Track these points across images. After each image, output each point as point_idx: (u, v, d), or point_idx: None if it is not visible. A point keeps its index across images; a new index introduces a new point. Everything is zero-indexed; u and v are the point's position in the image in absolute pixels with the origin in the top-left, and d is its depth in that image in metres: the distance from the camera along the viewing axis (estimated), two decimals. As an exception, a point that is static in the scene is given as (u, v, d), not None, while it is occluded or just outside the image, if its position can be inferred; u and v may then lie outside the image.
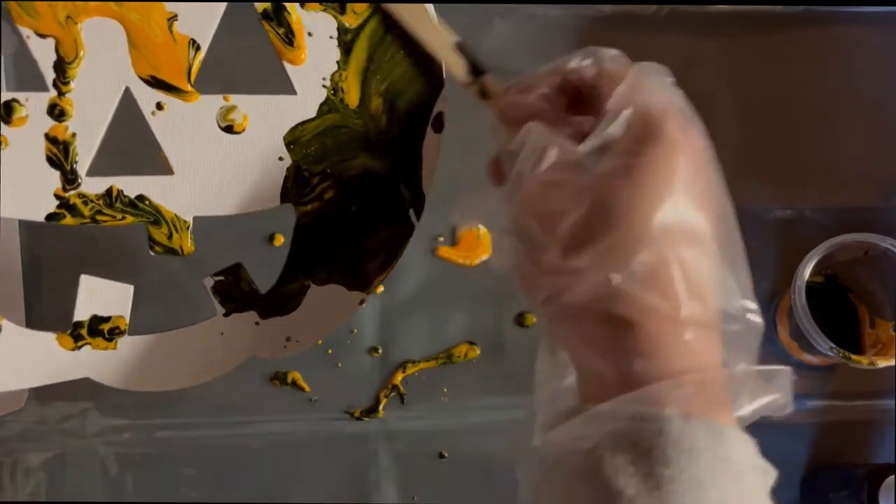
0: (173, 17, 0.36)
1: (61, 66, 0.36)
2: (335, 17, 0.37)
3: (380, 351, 0.52)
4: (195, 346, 0.38)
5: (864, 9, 0.56)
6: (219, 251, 0.40)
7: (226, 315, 0.38)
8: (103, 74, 0.36)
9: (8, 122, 0.35)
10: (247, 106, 0.37)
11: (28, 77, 0.36)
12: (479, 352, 0.52)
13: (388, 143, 0.38)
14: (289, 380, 0.51)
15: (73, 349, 0.37)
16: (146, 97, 0.37)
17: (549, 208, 0.30)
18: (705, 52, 0.55)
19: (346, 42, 0.37)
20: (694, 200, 0.29)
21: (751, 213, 0.54)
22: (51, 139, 0.36)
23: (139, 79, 0.36)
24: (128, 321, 0.37)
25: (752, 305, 0.31)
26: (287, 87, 0.37)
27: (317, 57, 0.37)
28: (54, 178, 0.36)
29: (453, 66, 0.36)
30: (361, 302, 0.38)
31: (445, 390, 0.52)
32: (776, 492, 0.55)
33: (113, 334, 0.37)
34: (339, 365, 0.51)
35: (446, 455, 0.51)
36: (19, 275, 0.49)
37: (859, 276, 0.52)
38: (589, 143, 0.30)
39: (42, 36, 0.36)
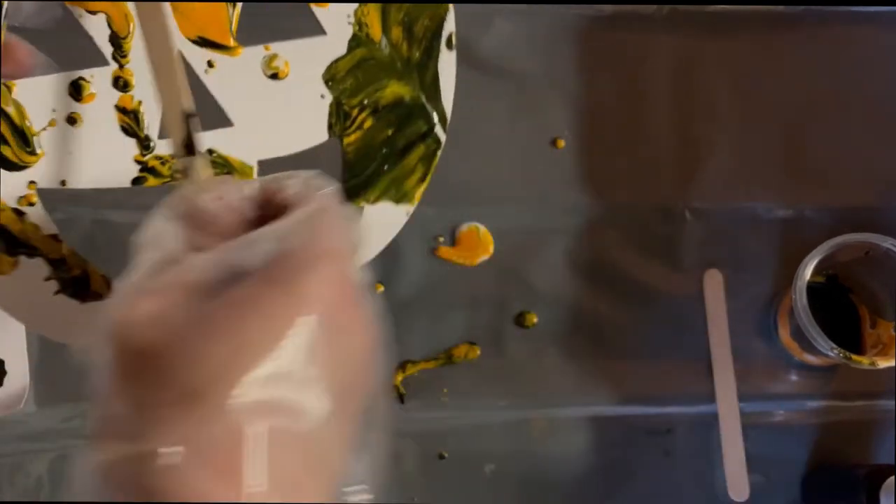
0: None
1: (116, 41, 0.38)
2: None
3: (380, 351, 0.52)
4: None
5: (864, 9, 0.56)
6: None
7: None
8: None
9: (79, 99, 0.38)
10: (286, 52, 0.40)
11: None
12: (479, 352, 0.52)
13: (410, 67, 0.41)
14: (289, 380, 0.51)
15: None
16: (197, 57, 0.39)
17: (134, 333, 0.23)
18: (705, 52, 0.55)
19: None
20: (316, 372, 0.24)
21: (751, 213, 0.54)
22: (121, 110, 0.39)
23: (188, 41, 0.39)
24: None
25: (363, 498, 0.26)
26: (317, 29, 0.40)
27: None
28: (130, 146, 0.39)
29: (173, 130, 0.32)
30: (407, 213, 0.43)
31: (445, 390, 0.52)
32: (777, 492, 0.55)
33: None
34: (339, 365, 0.51)
35: (446, 455, 0.51)
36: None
37: (860, 276, 0.52)
38: (206, 259, 0.25)
39: (92, 13, 0.38)
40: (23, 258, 0.38)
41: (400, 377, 0.51)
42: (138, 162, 0.39)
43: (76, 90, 0.38)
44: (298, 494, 0.23)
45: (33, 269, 0.38)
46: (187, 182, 0.31)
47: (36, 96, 0.38)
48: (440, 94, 0.42)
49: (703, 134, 0.54)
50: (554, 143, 0.54)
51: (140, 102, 0.39)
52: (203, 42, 0.39)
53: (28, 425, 0.49)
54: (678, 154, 0.54)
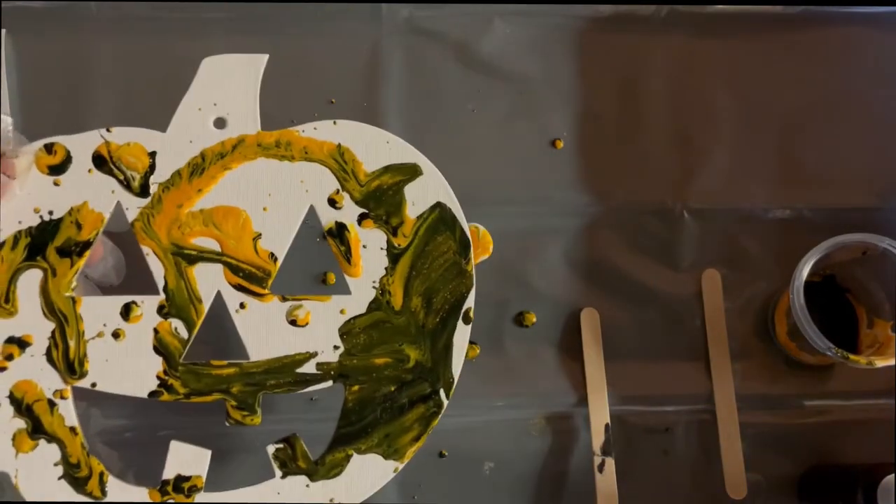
0: (258, 237, 0.44)
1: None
2: (386, 234, 0.45)
3: (380, 351, 0.52)
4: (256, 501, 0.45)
5: (864, 9, 0.56)
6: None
7: (283, 478, 0.45)
8: (201, 283, 0.45)
9: (127, 319, 0.44)
10: (310, 304, 0.45)
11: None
12: (479, 352, 0.52)
13: (424, 334, 0.45)
14: (289, 379, 0.51)
15: (159, 502, 0.44)
16: (233, 299, 0.44)
17: None
18: (705, 52, 0.55)
19: (395, 254, 0.45)
20: None
21: (748, 213, 0.54)
22: (157, 332, 0.44)
23: (230, 285, 0.44)
24: (204, 480, 0.44)
25: None
26: (344, 289, 0.45)
27: (368, 263, 0.45)
28: (157, 363, 0.44)
29: (595, 434, 0.50)
30: (395, 470, 0.44)
31: (445, 390, 0.52)
32: (774, 490, 0.55)
33: (191, 491, 0.44)
34: (340, 364, 0.52)
35: (446, 455, 0.51)
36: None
37: (858, 275, 0.52)
38: None
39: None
40: (42, 442, 0.44)
41: (400, 377, 0.52)
42: (160, 378, 0.44)
43: (126, 311, 0.44)
44: None
45: (48, 453, 0.44)
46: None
47: (93, 311, 0.44)
48: (450, 362, 0.45)
49: (701, 134, 0.55)
50: (553, 143, 0.54)
51: (176, 329, 0.44)
52: (241, 288, 0.44)
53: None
54: (676, 154, 0.54)
